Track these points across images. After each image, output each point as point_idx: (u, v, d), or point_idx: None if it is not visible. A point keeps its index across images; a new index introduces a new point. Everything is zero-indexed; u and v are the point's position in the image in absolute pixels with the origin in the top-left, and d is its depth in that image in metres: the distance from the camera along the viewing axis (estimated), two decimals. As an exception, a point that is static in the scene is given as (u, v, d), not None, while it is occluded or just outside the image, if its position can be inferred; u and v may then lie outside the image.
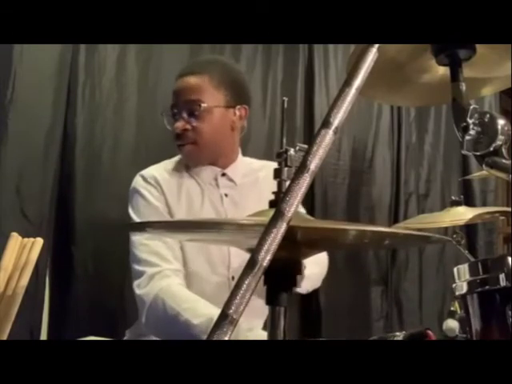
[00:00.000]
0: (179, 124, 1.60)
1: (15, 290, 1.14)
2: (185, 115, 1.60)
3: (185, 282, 1.55)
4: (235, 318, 0.56)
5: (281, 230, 0.59)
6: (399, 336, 1.17)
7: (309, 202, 2.41)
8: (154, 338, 1.55)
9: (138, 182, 1.65)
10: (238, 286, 0.57)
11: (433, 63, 0.96)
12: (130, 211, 1.63)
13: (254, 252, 0.58)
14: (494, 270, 0.93)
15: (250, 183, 1.70)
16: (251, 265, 0.58)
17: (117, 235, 1.91)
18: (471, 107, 0.85)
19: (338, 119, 0.63)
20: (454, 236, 1.75)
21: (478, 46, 0.93)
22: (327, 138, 0.63)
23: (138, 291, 1.53)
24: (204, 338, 1.25)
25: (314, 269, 1.63)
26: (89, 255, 2.06)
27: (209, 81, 1.61)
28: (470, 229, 2.71)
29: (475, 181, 2.77)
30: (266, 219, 0.61)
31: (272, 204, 0.90)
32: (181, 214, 1.60)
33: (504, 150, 0.82)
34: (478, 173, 2.22)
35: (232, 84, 1.65)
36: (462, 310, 1.42)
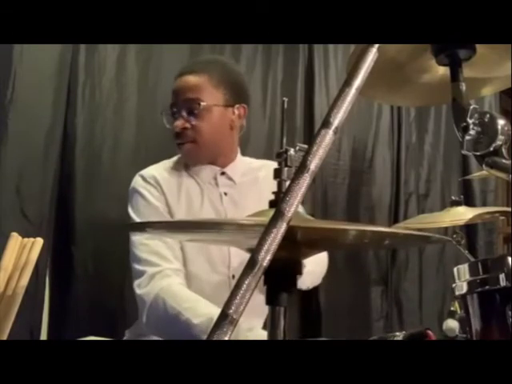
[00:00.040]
0: (178, 123, 1.61)
1: (15, 290, 1.14)
2: (184, 114, 1.61)
3: (185, 281, 1.55)
4: (235, 317, 0.56)
5: (281, 230, 0.59)
6: (399, 336, 1.17)
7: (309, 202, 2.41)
8: (154, 338, 1.55)
9: (137, 181, 1.65)
10: (238, 286, 0.57)
11: (433, 63, 0.96)
12: (130, 211, 1.63)
13: (254, 252, 0.58)
14: (493, 270, 0.93)
15: (249, 182, 1.71)
16: (251, 265, 0.58)
17: (117, 235, 1.91)
18: (471, 107, 0.85)
19: (338, 119, 0.63)
20: (454, 236, 1.75)
21: (478, 46, 0.93)
22: (327, 138, 0.63)
23: (138, 291, 1.53)
24: (204, 337, 1.25)
25: (315, 266, 1.63)
26: (89, 255, 2.06)
27: (208, 80, 1.61)
28: (470, 229, 2.71)
29: (475, 181, 2.76)
30: (265, 219, 0.61)
31: (272, 204, 0.90)
32: (180, 214, 1.60)
33: (504, 150, 0.82)
34: (478, 173, 2.22)
35: (231, 83, 1.66)
36: (462, 310, 1.42)
